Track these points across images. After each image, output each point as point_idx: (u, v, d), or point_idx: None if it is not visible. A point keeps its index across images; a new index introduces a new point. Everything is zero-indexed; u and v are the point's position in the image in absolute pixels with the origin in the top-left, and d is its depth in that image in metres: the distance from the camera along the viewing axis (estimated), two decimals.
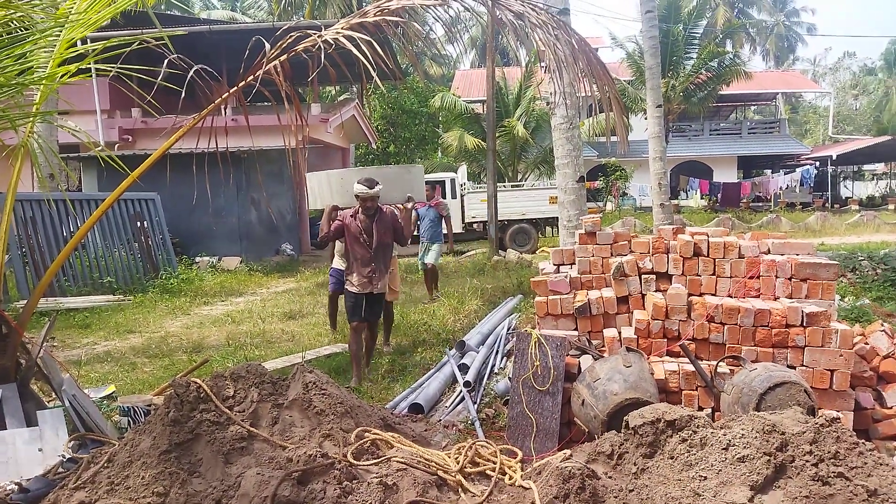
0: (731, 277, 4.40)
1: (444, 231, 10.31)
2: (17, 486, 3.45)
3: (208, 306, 10.40)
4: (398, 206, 6.32)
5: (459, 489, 3.42)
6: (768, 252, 4.61)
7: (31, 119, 4.59)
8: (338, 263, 7.06)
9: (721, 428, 3.04)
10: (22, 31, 4.27)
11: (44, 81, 4.38)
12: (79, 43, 4.36)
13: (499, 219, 16.55)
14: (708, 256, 4.46)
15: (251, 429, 3.50)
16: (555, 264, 5.29)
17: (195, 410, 3.48)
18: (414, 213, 7.90)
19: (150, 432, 3.43)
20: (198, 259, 14.27)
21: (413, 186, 6.34)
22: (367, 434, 3.71)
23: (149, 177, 4.41)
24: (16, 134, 4.58)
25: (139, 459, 3.32)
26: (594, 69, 4.54)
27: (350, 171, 6.79)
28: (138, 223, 12.70)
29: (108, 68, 4.39)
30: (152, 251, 12.86)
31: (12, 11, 4.09)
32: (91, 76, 4.72)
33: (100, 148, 6.24)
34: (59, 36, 4.31)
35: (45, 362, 4.33)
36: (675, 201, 26.31)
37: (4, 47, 4.17)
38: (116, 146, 16.70)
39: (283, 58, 4.60)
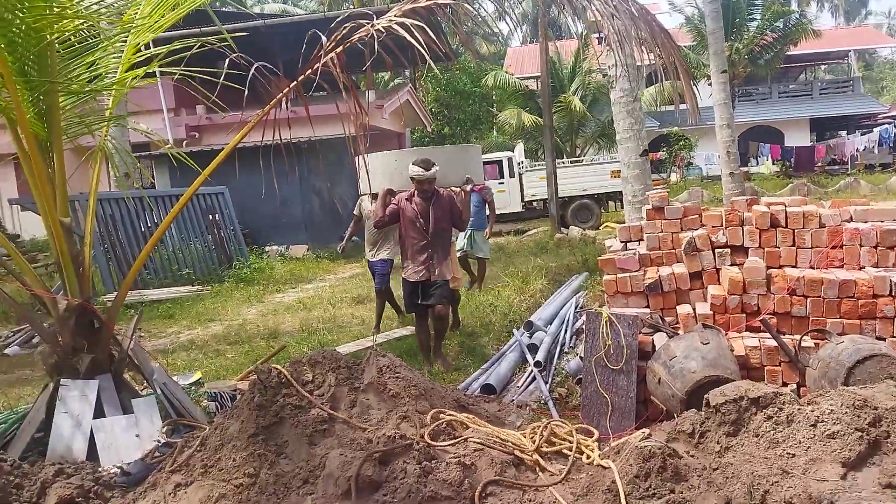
0: (812, 248, 4.23)
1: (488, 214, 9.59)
2: (119, 470, 3.68)
3: (280, 293, 10.74)
4: (455, 188, 6.03)
5: (537, 468, 3.44)
6: (850, 220, 4.40)
7: (106, 123, 4.81)
8: (380, 254, 6.96)
9: (808, 404, 2.94)
10: (91, 39, 4.47)
11: (115, 86, 4.58)
12: (143, 48, 4.54)
13: (559, 196, 16.35)
14: (786, 227, 4.29)
15: (331, 412, 3.61)
16: (622, 241, 5.21)
17: (278, 395, 3.61)
18: (473, 195, 7.52)
19: (238, 417, 3.59)
20: (267, 248, 14.71)
21: (471, 167, 6.04)
22: (442, 415, 3.78)
23: (217, 171, 4.58)
24: (92, 138, 4.83)
25: (229, 442, 3.48)
26: (656, 37, 4.40)
27: (405, 153, 6.40)
28: (210, 216, 13.20)
29: (174, 71, 4.56)
30: (225, 242, 13.34)
31: (82, 21, 4.28)
32: (157, 79, 4.90)
33: (169, 145, 6.48)
34: (125, 42, 4.50)
35: (136, 353, 4.58)
36: (745, 168, 25.27)
37: (76, 56, 4.38)
38: (184, 143, 17.31)
39: (338, 49, 4.66)
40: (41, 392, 4.22)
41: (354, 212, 7.30)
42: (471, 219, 8.42)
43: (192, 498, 3.34)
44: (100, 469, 3.74)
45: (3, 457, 3.48)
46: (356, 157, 4.74)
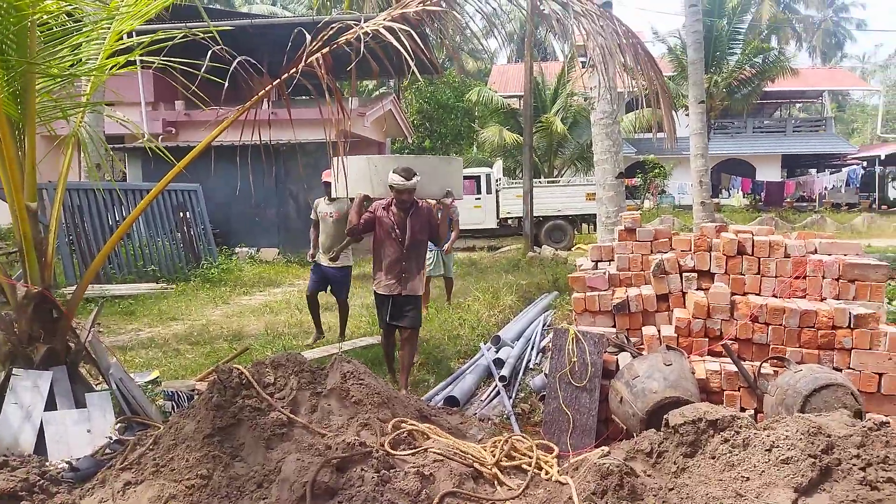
0: (776, 277, 4.31)
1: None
2: (68, 465, 3.57)
3: (247, 296, 10.59)
4: (434, 201, 5.78)
5: (495, 482, 3.43)
6: (815, 252, 4.50)
7: (82, 109, 4.73)
8: (342, 261, 6.80)
9: (765, 429, 2.98)
10: (73, 23, 4.40)
11: (94, 72, 4.51)
12: (126, 36, 4.48)
13: (534, 215, 16.48)
14: (752, 255, 4.37)
15: (291, 416, 3.56)
16: (593, 261, 5.25)
17: (237, 396, 3.55)
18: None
19: (194, 416, 3.52)
20: (237, 250, 14.54)
21: (452, 181, 5.76)
22: (403, 424, 3.75)
23: (191, 168, 4.51)
24: (66, 123, 4.74)
25: (183, 442, 3.41)
26: (640, 61, 4.48)
27: (386, 159, 6.05)
28: (181, 214, 12.99)
29: (155, 60, 4.51)
30: (194, 241, 13.13)
31: (66, 3, 4.22)
32: (137, 68, 4.84)
33: (146, 137, 6.39)
34: (108, 28, 4.44)
35: (93, 346, 4.47)
36: (717, 200, 25.79)
37: (56, 39, 4.31)
38: (160, 138, 17.09)
39: (324, 50, 4.66)
40: None
41: (312, 215, 7.15)
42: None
43: (142, 497, 3.25)
44: (47, 463, 3.63)
45: None
46: (334, 159, 4.67)
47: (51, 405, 3.93)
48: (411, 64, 4.38)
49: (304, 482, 3.08)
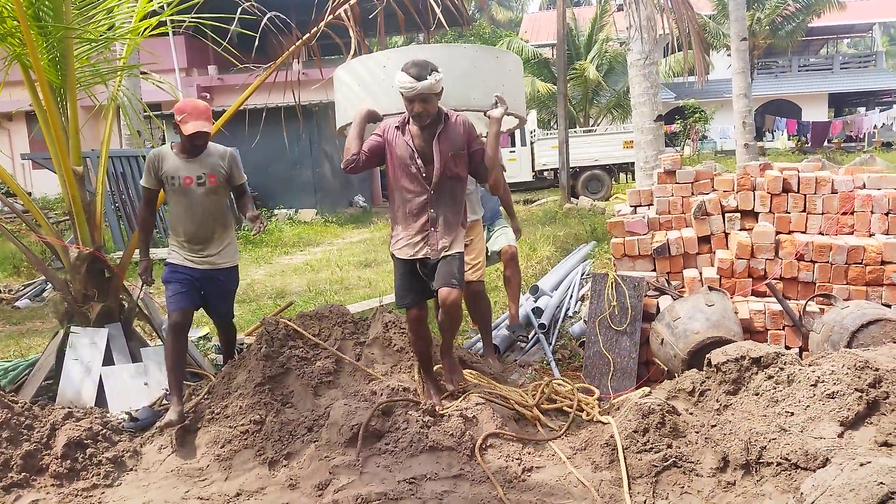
0: (822, 214, 4.19)
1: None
2: (128, 416, 3.76)
3: (288, 256, 10.80)
4: (479, 114, 3.72)
5: (537, 424, 3.49)
6: (863, 187, 4.35)
7: (119, 73, 4.81)
8: (169, 252, 3.94)
9: (810, 365, 2.95)
10: None
11: (128, 35, 4.57)
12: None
13: (571, 166, 16.22)
14: (798, 192, 4.25)
15: (340, 354, 3.66)
16: (632, 206, 5.18)
17: (285, 346, 3.67)
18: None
19: (245, 367, 3.65)
20: (276, 211, 14.75)
21: (505, 83, 3.75)
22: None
23: (228, 132, 4.54)
24: (105, 90, 4.83)
25: (236, 391, 3.55)
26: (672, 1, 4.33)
27: (398, 53, 3.74)
28: None
29: (186, 19, 4.54)
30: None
31: None
32: (169, 28, 4.88)
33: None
34: None
35: (146, 304, 4.64)
36: (760, 143, 24.95)
37: (91, 3, 4.37)
38: None
39: (352, 1, 4.62)
40: (51, 339, 4.29)
41: (145, 181, 3.82)
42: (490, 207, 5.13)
43: (199, 442, 3.42)
44: (108, 414, 3.82)
45: (15, 399, 3.56)
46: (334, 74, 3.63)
47: (108, 360, 4.11)
48: (438, 13, 4.31)
49: (352, 426, 3.19)
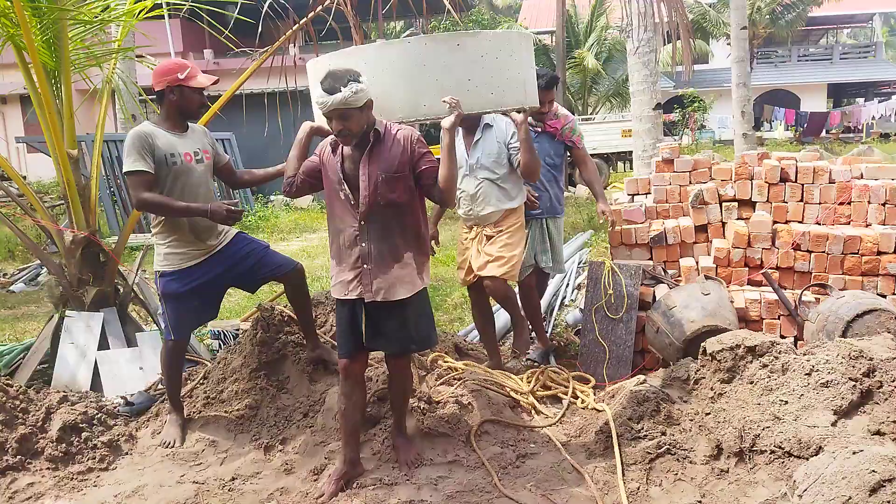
0: (819, 204, 4.18)
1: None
2: (123, 400, 3.76)
3: (284, 242, 10.77)
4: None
5: (532, 410, 3.50)
6: (861, 177, 4.34)
7: (114, 56, 4.76)
8: (167, 257, 3.33)
9: (804, 354, 2.96)
10: None
11: (123, 18, 4.52)
12: None
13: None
14: (796, 182, 4.24)
15: (332, 341, 3.65)
16: (629, 194, 5.17)
17: (280, 332, 3.66)
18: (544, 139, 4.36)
19: (241, 352, 3.65)
20: (272, 197, 14.69)
21: (474, 75, 2.86)
22: (441, 358, 3.82)
23: (224, 117, 4.52)
24: (100, 72, 4.78)
25: (232, 376, 3.55)
26: None
27: (338, 56, 3.02)
28: None
29: (182, 2, 4.50)
30: (230, 189, 13.29)
31: None
32: (164, 11, 4.83)
33: None
34: None
35: (141, 289, 4.63)
36: (759, 133, 24.89)
37: None
38: None
39: None
40: (46, 323, 4.29)
41: (140, 166, 3.18)
42: (539, 192, 4.22)
43: (194, 427, 3.42)
44: (103, 398, 3.82)
45: (10, 383, 3.55)
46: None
47: (103, 345, 4.11)
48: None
49: None
